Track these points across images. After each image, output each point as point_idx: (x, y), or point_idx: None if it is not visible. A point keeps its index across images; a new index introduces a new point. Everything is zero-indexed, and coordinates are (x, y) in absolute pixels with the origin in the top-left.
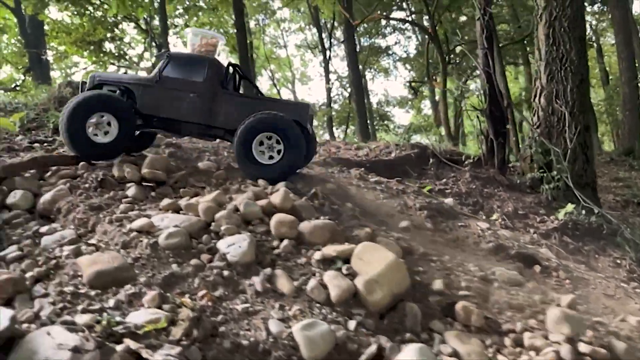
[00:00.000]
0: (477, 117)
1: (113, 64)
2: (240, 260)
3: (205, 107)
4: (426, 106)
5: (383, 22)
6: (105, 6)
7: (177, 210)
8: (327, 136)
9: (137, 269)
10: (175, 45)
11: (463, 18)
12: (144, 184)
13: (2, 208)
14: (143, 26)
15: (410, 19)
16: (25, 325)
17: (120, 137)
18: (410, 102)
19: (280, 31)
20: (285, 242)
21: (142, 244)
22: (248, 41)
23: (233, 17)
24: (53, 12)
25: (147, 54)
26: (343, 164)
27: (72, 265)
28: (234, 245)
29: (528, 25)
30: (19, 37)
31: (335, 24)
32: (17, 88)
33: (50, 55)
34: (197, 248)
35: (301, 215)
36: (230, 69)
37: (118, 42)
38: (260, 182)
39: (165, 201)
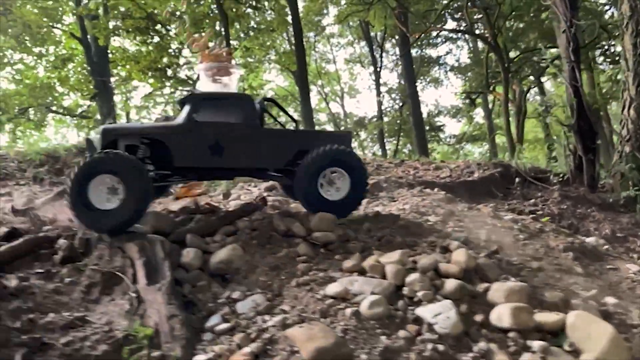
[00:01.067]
0: (564, 133)
1: (178, 88)
2: (450, 332)
3: (247, 150)
4: (478, 115)
5: (434, 32)
6: (171, 33)
7: (361, 271)
8: (377, 149)
9: (350, 343)
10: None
11: (520, 25)
12: (311, 240)
13: (177, 267)
14: None
15: (464, 28)
16: None
17: (128, 201)
18: (465, 112)
19: (330, 46)
20: (486, 308)
21: (343, 313)
22: None
23: (285, 36)
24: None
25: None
26: (429, 186)
27: (284, 339)
28: (441, 316)
29: (593, 30)
30: (84, 65)
31: (385, 36)
32: (83, 114)
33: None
34: (398, 316)
35: (486, 276)
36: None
37: (180, 68)
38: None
39: (348, 262)
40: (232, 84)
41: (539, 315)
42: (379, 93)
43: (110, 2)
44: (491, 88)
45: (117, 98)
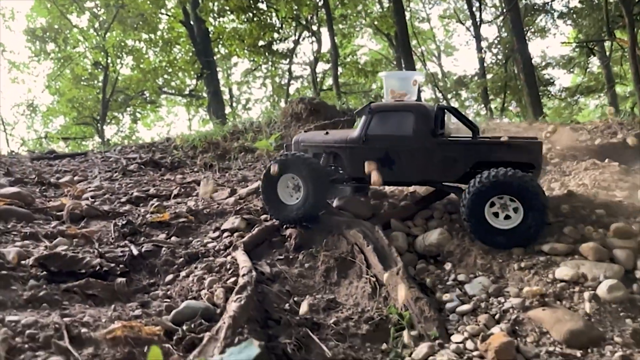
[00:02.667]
0: None
1: (281, 63)
2: None
3: (418, 164)
4: (591, 64)
5: None
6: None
7: (584, 255)
8: (480, 108)
9: (597, 325)
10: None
11: None
12: None
13: None
14: (303, 22)
15: None
16: None
17: (306, 199)
18: (581, 61)
19: (422, 4)
20: None
21: (580, 296)
22: None
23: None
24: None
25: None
26: (571, 151)
27: (529, 321)
28: None
29: None
30: (189, 47)
31: None
32: (192, 93)
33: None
34: (637, 300)
35: None
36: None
37: (278, 42)
38: None
39: (568, 247)
40: (413, 92)
41: None
42: (480, 49)
43: None
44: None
45: (219, 75)
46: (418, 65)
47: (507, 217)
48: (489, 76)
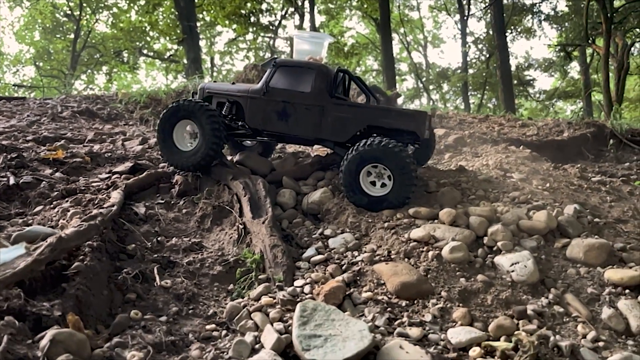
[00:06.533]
0: None
1: (262, 35)
2: (527, 280)
3: (312, 120)
4: (572, 69)
5: None
6: None
7: (443, 220)
8: (460, 102)
9: (431, 281)
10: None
11: None
12: None
13: (274, 205)
14: None
15: None
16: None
17: (200, 147)
18: (559, 66)
19: None
20: (564, 262)
21: (426, 255)
22: None
23: None
24: None
25: (285, 22)
26: (514, 144)
27: (371, 272)
28: (519, 264)
29: None
30: (173, 10)
31: None
32: (171, 58)
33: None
34: (477, 262)
35: (568, 232)
36: (340, 75)
37: (262, 14)
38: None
39: (429, 211)
40: (320, 50)
41: (616, 272)
42: (464, 43)
43: None
44: (591, 40)
45: (202, 43)
46: (404, 54)
47: (384, 185)
48: (471, 71)
